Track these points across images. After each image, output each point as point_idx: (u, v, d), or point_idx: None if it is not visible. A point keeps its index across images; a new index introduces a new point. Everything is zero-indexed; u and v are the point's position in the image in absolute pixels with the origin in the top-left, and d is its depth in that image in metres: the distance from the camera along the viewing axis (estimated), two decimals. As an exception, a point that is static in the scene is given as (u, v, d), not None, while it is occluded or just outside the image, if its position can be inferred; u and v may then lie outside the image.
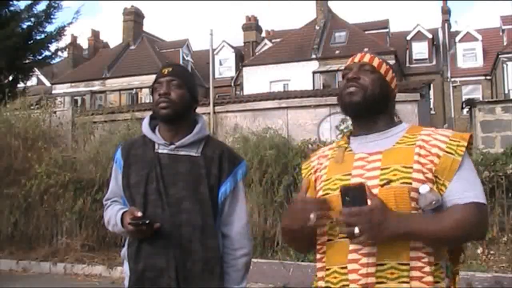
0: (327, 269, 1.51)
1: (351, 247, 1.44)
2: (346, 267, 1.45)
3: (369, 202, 1.37)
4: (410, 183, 1.43)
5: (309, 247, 1.65)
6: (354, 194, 1.38)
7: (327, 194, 1.54)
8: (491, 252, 6.24)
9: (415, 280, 1.41)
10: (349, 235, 1.38)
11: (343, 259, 1.46)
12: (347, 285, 1.44)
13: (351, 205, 1.37)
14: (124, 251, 2.01)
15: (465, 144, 1.49)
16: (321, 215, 1.46)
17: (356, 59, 1.64)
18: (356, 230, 1.35)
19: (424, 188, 1.42)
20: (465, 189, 1.44)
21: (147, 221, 1.83)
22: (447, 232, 1.40)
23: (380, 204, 1.38)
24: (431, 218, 1.42)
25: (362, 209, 1.36)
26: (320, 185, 1.59)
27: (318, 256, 1.58)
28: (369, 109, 1.57)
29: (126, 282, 1.97)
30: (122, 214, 1.92)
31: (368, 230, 1.35)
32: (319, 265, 1.57)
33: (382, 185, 1.45)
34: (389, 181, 1.45)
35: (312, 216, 1.43)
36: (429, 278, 1.42)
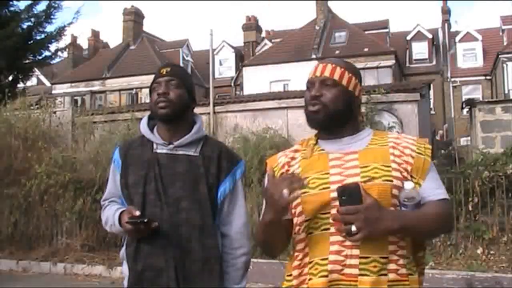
0: (310, 262, 1.54)
1: (332, 239, 1.49)
2: (327, 258, 1.49)
3: (364, 201, 1.43)
4: (392, 181, 1.52)
5: (283, 247, 1.68)
6: (350, 194, 1.43)
7: (306, 192, 1.55)
8: (491, 252, 6.24)
9: (392, 273, 1.49)
10: (346, 233, 1.44)
11: (324, 251, 1.51)
12: (326, 276, 1.49)
13: (347, 204, 1.42)
14: (123, 251, 2.00)
15: (430, 147, 1.63)
16: (293, 188, 1.45)
17: (318, 72, 1.65)
18: (353, 228, 1.41)
19: (409, 184, 1.51)
20: (436, 187, 1.59)
21: (145, 220, 1.83)
22: (431, 225, 1.54)
23: (374, 201, 1.44)
24: (417, 213, 1.51)
25: (359, 207, 1.41)
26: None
27: (295, 254, 1.60)
28: (333, 124, 1.62)
29: (125, 282, 1.97)
30: (120, 214, 1.92)
31: (365, 227, 1.41)
32: (295, 263, 1.60)
33: (364, 182, 1.50)
34: (372, 178, 1.51)
35: (284, 191, 1.44)
36: (404, 271, 1.51)
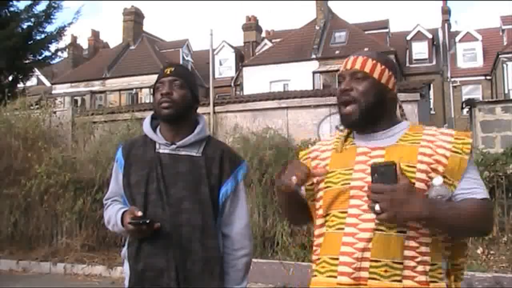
0: (318, 259, 1.54)
1: (345, 239, 1.47)
2: (337, 259, 1.47)
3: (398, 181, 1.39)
4: (414, 183, 1.43)
5: (302, 220, 1.74)
6: (383, 172, 1.40)
7: (328, 187, 1.55)
8: (491, 252, 6.24)
9: (408, 279, 1.42)
10: (372, 211, 1.41)
11: (335, 251, 1.48)
12: (335, 276, 1.46)
13: (379, 183, 1.39)
14: (124, 251, 2.01)
15: (470, 141, 1.50)
16: (301, 179, 1.49)
17: (348, 65, 1.59)
18: (377, 207, 1.38)
19: (437, 180, 1.43)
20: (475, 187, 1.48)
21: (147, 221, 1.83)
22: (465, 220, 1.42)
23: (405, 185, 1.39)
24: (451, 206, 1.44)
25: (385, 187, 1.38)
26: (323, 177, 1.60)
27: (314, 248, 1.61)
28: (368, 121, 1.56)
29: (126, 282, 1.97)
30: (122, 214, 1.92)
31: (388, 208, 1.37)
32: (314, 257, 1.60)
33: None
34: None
35: (293, 178, 1.49)
36: (422, 278, 1.43)
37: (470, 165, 1.50)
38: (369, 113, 1.54)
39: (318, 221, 1.59)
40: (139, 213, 1.84)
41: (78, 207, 7.34)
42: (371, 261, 1.42)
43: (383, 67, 1.57)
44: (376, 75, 1.55)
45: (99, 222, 7.08)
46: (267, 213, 6.80)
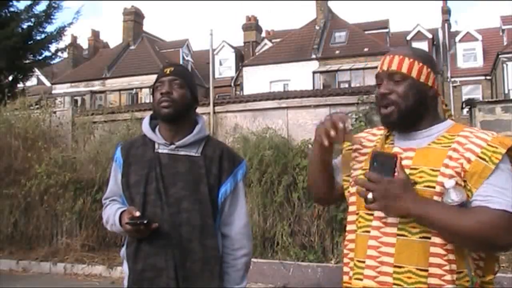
0: (352, 260, 1.54)
1: (370, 242, 1.46)
2: (364, 262, 1.47)
3: (396, 174, 1.39)
4: (434, 187, 1.40)
5: (323, 193, 1.73)
6: (383, 162, 1.40)
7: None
8: (491, 252, 6.23)
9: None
10: (364, 199, 1.41)
11: (362, 254, 1.48)
12: (361, 279, 1.47)
13: (376, 172, 1.39)
14: (123, 251, 2.01)
15: (503, 151, 1.40)
16: (338, 136, 1.48)
17: (385, 66, 1.53)
18: (370, 195, 1.38)
19: (449, 183, 1.38)
20: (492, 195, 1.37)
21: (145, 221, 1.83)
22: (465, 231, 1.34)
23: (402, 179, 1.38)
24: (452, 210, 1.36)
25: (382, 178, 1.38)
26: (357, 171, 1.59)
27: (346, 242, 1.61)
28: (408, 121, 1.52)
29: (126, 282, 1.97)
30: (121, 214, 1.92)
31: (380, 199, 1.37)
32: (345, 260, 1.60)
33: None
34: (415, 183, 1.42)
35: (332, 133, 1.48)
36: (449, 287, 1.38)
37: (498, 173, 1.39)
38: (408, 114, 1.50)
39: (350, 217, 1.58)
40: (137, 213, 1.84)
41: (78, 207, 7.35)
42: (394, 266, 1.41)
43: (420, 64, 1.50)
44: (414, 74, 1.49)
45: (99, 222, 7.08)
46: (267, 213, 6.79)
